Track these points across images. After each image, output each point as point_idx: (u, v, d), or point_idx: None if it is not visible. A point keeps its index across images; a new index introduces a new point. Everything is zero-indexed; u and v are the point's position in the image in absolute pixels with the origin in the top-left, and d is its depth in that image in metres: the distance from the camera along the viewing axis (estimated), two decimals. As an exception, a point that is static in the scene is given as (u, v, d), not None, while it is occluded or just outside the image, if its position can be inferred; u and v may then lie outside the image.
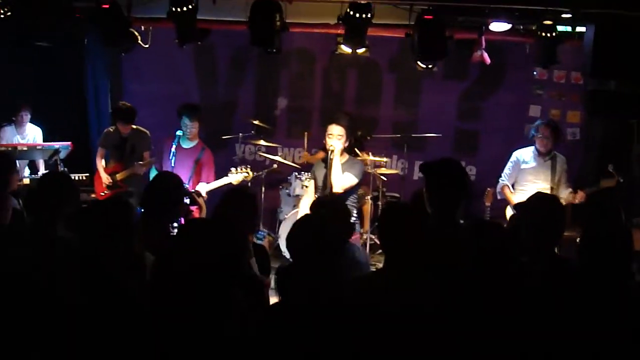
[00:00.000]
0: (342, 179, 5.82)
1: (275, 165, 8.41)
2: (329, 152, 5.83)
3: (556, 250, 3.84)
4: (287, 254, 3.93)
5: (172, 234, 4.42)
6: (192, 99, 9.04)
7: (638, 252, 3.78)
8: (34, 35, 6.63)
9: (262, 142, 8.41)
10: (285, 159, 8.69)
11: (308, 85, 9.22)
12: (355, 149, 7.51)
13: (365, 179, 7.24)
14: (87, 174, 7.73)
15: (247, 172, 6.69)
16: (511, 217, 6.55)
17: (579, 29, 6.36)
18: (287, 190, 8.25)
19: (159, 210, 4.26)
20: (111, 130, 7.75)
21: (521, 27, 6.72)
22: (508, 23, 6.45)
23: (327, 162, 5.85)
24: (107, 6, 6.10)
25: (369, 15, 6.02)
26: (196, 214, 5.46)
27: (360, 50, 6.38)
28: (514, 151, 6.99)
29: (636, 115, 7.62)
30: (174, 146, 6.51)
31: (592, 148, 8.62)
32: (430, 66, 6.53)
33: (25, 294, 2.85)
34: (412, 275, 3.17)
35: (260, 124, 8.47)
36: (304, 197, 6.65)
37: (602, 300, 3.08)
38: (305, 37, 8.33)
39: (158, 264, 2.88)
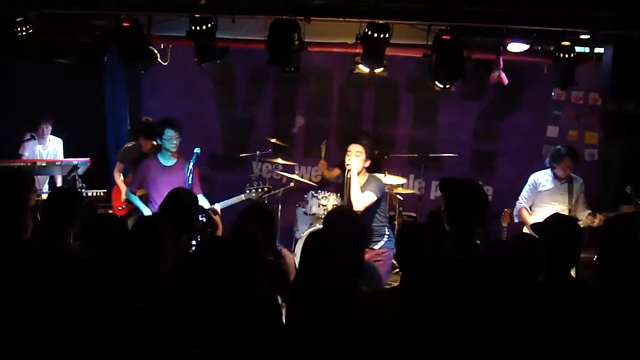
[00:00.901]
0: (362, 198, 5.83)
1: (292, 184, 8.41)
2: (347, 171, 5.85)
3: (573, 272, 3.81)
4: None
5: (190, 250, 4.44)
6: (210, 117, 9.14)
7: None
8: (55, 52, 6.71)
9: (279, 160, 8.43)
10: (302, 177, 8.69)
11: (325, 104, 9.25)
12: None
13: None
14: (105, 190, 7.74)
15: (262, 189, 6.67)
16: (523, 235, 6.53)
17: (597, 50, 6.34)
18: (304, 209, 8.23)
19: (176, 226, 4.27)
20: (131, 145, 7.82)
21: (539, 47, 6.69)
22: (526, 44, 6.43)
23: (344, 180, 5.87)
24: (127, 24, 6.16)
25: (387, 35, 6.02)
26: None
27: (378, 70, 6.40)
28: (531, 172, 6.99)
29: (655, 137, 7.57)
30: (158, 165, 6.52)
31: (611, 170, 8.55)
32: (447, 86, 6.53)
33: (25, 306, 2.88)
34: (428, 294, 3.16)
35: (278, 142, 8.49)
36: None
37: (618, 322, 3.05)
38: (323, 57, 8.35)
39: (176, 281, 2.89)
